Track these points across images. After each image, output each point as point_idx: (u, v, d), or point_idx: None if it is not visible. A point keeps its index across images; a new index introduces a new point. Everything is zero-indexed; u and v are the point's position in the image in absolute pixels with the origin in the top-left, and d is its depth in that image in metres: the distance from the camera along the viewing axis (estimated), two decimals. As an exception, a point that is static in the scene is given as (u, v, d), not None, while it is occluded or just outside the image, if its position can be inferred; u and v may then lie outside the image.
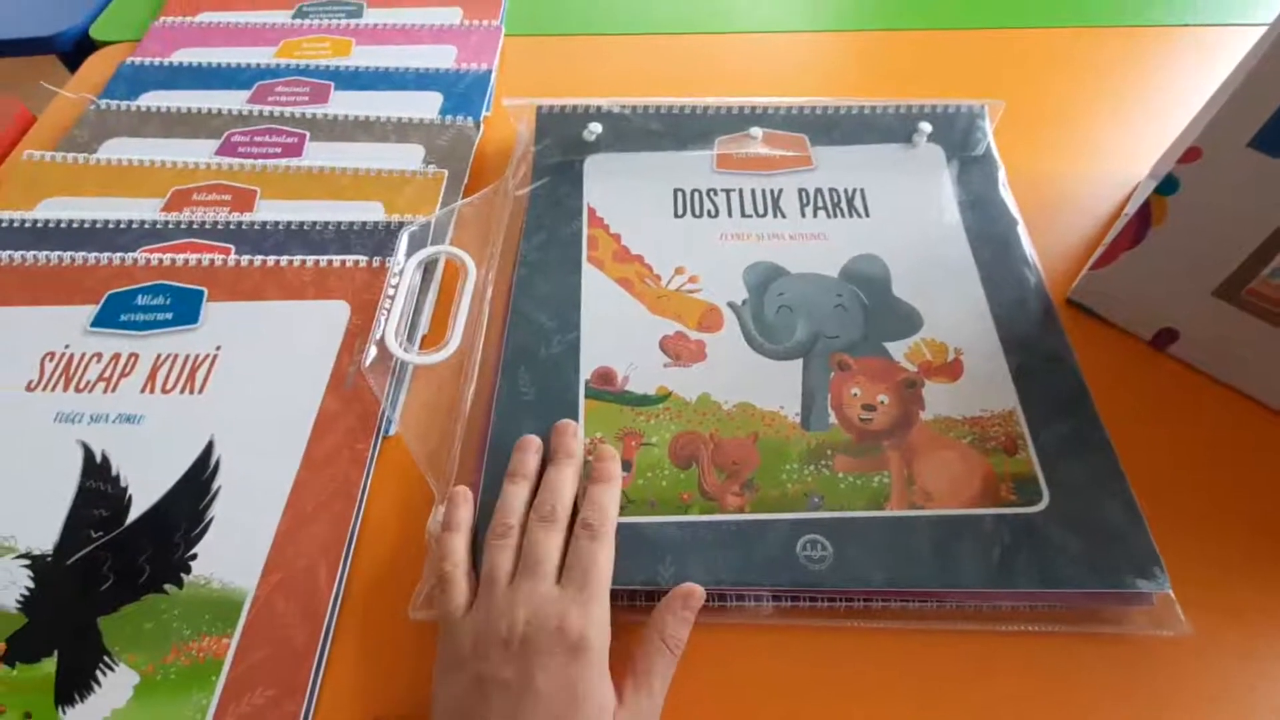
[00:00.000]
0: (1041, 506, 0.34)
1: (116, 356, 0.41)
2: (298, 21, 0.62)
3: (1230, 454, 0.38)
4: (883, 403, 0.38)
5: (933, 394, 0.38)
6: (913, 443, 0.36)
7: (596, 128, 0.49)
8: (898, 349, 0.40)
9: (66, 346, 0.41)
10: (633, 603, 0.33)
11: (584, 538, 0.32)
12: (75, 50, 0.67)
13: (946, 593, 0.33)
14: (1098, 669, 0.32)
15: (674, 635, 0.31)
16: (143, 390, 0.39)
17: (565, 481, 0.34)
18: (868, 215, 0.46)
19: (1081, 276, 0.43)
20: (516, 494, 0.34)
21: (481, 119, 0.54)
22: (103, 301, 0.43)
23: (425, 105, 0.55)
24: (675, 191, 0.47)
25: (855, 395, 0.38)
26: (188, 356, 0.41)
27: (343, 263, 0.44)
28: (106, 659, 0.32)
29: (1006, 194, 0.47)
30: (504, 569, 0.31)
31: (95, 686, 0.31)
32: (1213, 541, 0.35)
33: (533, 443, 0.36)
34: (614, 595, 0.32)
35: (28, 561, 0.34)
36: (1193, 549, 0.34)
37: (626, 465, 0.36)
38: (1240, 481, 0.37)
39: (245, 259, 0.44)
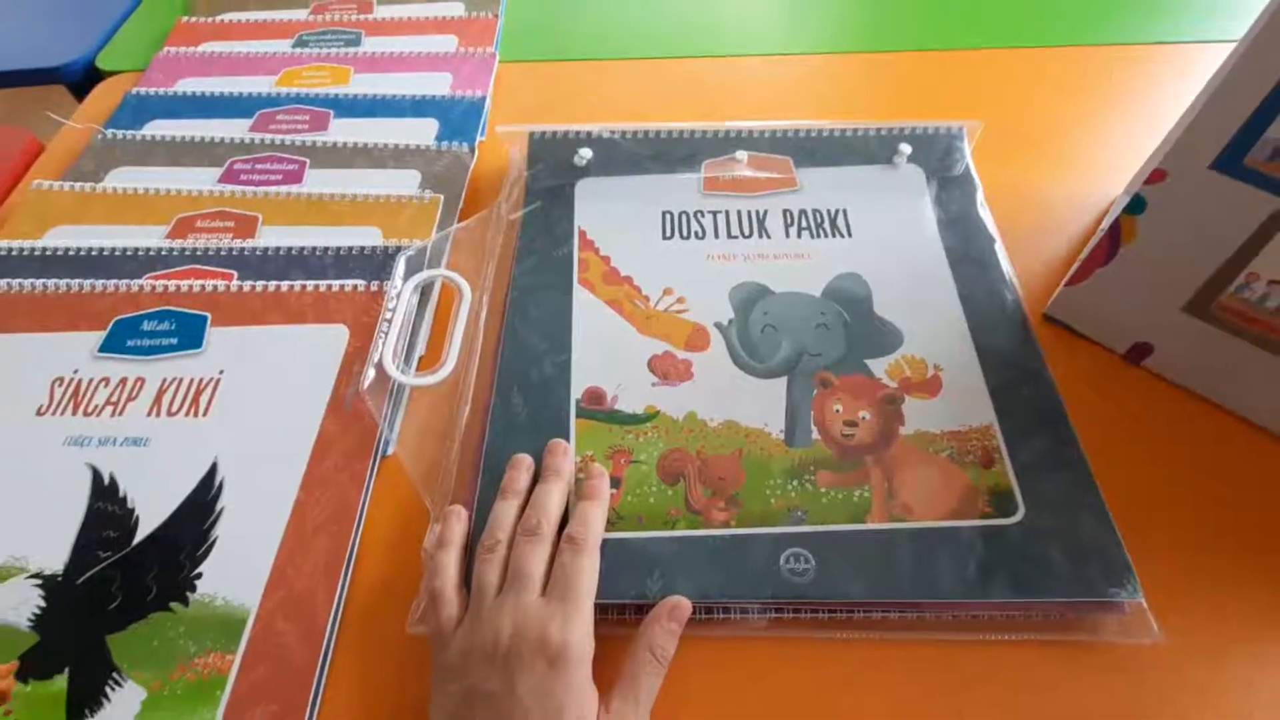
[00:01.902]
0: (1017, 519, 0.35)
1: (124, 381, 0.42)
2: (298, 51, 0.64)
3: (1202, 464, 0.39)
4: (864, 419, 0.39)
5: (913, 409, 0.39)
6: (893, 457, 0.38)
7: (587, 153, 0.50)
8: (879, 366, 0.41)
9: (75, 372, 0.42)
10: (622, 615, 0.34)
11: (567, 551, 0.33)
12: (83, 80, 0.68)
13: (926, 604, 0.34)
14: (1073, 676, 0.33)
15: (661, 647, 0.32)
16: (149, 414, 0.41)
17: (552, 498, 0.35)
18: (850, 235, 0.47)
19: (1058, 293, 0.44)
20: (506, 510, 0.35)
21: (476, 144, 0.55)
22: (110, 327, 0.44)
23: (422, 132, 0.56)
24: (664, 214, 0.48)
25: (837, 411, 0.39)
26: (192, 380, 0.42)
27: (341, 287, 0.46)
28: (115, 675, 0.33)
29: (985, 212, 0.48)
30: (491, 583, 0.32)
31: (105, 702, 0.33)
32: (1185, 550, 0.36)
33: (524, 461, 0.37)
34: (603, 609, 0.33)
35: (39, 581, 0.35)
36: (1165, 558, 0.35)
37: (615, 482, 0.37)
38: (1212, 491, 0.38)
39: (247, 285, 0.46)
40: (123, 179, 0.53)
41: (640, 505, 0.36)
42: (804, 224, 0.48)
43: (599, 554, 0.34)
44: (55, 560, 0.36)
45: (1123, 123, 0.57)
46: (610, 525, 0.35)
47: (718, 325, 0.43)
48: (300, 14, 0.68)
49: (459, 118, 0.57)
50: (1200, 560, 0.36)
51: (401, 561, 0.37)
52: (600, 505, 0.35)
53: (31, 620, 0.34)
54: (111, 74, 0.65)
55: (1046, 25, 0.65)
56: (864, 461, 0.38)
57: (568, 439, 0.39)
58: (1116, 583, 0.33)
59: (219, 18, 0.68)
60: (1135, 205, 0.38)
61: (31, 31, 0.73)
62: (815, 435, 0.39)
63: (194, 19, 0.68)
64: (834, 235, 0.47)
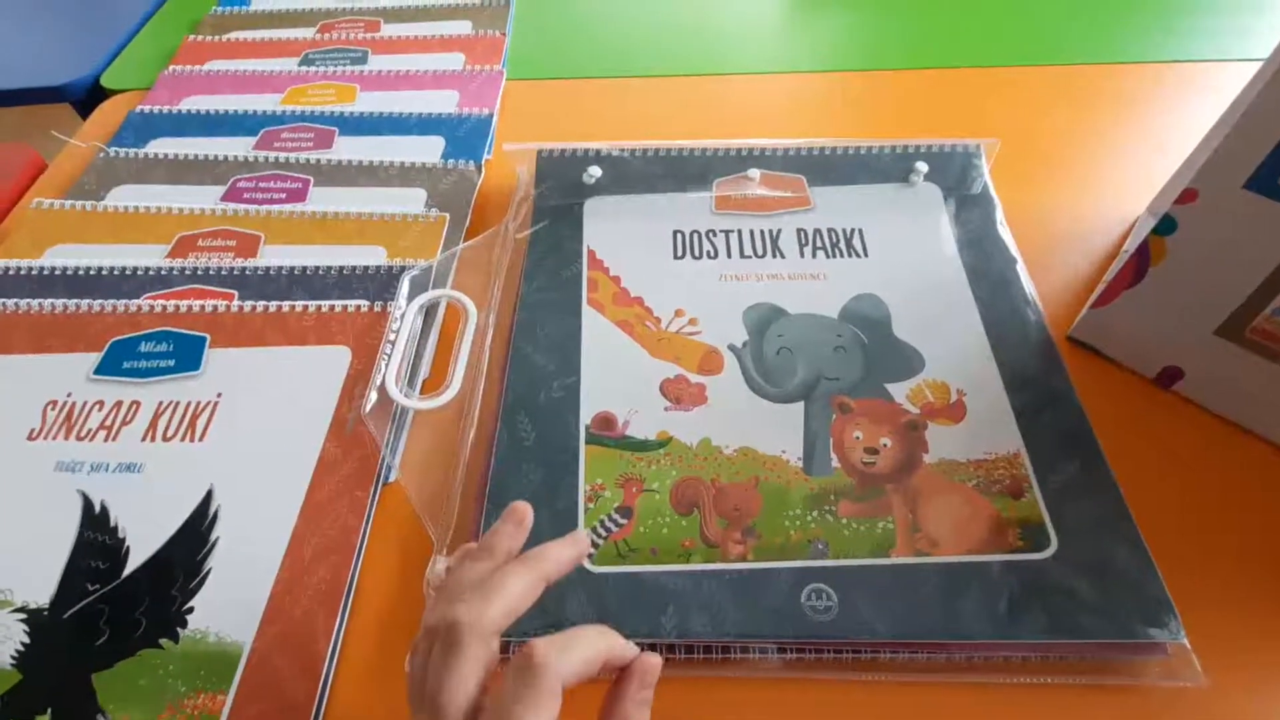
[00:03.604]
0: (1050, 553, 0.34)
1: (118, 404, 0.41)
2: (304, 69, 0.63)
3: (1241, 494, 0.37)
4: (885, 445, 0.38)
5: (936, 436, 0.38)
6: (917, 487, 0.36)
7: (596, 171, 0.49)
8: (899, 390, 0.40)
9: (69, 395, 0.41)
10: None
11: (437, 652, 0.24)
12: (88, 98, 0.68)
13: (953, 644, 0.32)
14: (1112, 721, 0.31)
15: None
16: (143, 439, 0.39)
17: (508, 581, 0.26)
18: (866, 255, 0.46)
19: (1082, 314, 0.43)
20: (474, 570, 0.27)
21: (483, 162, 0.54)
22: (106, 349, 0.43)
23: (428, 149, 0.56)
24: (674, 233, 0.47)
25: (858, 438, 0.38)
26: (189, 404, 0.41)
27: (344, 307, 0.44)
28: (100, 717, 0.31)
29: (1004, 232, 0.47)
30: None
31: (88, 746, 0.31)
32: (1225, 586, 0.34)
33: (517, 513, 0.29)
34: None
35: (24, 616, 0.34)
36: (1205, 594, 0.34)
37: (628, 512, 0.36)
38: (1252, 523, 0.36)
39: (248, 305, 0.45)
40: (124, 197, 0.53)
41: (654, 536, 0.35)
42: (819, 243, 0.46)
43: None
44: (41, 593, 0.34)
45: (1140, 142, 0.56)
46: (623, 558, 0.34)
47: (731, 347, 0.42)
48: (307, 32, 0.67)
49: (466, 135, 0.57)
50: (1242, 596, 0.34)
51: (403, 594, 0.35)
52: (525, 586, 0.26)
53: (14, 658, 0.33)
54: (116, 92, 0.65)
55: (1062, 43, 0.65)
56: (886, 491, 0.36)
57: (576, 465, 0.37)
58: (1157, 622, 0.31)
59: (226, 36, 0.67)
60: (1165, 226, 0.37)
61: (36, 50, 0.73)
62: (835, 463, 0.37)
63: (200, 38, 0.67)
64: (850, 255, 0.46)
